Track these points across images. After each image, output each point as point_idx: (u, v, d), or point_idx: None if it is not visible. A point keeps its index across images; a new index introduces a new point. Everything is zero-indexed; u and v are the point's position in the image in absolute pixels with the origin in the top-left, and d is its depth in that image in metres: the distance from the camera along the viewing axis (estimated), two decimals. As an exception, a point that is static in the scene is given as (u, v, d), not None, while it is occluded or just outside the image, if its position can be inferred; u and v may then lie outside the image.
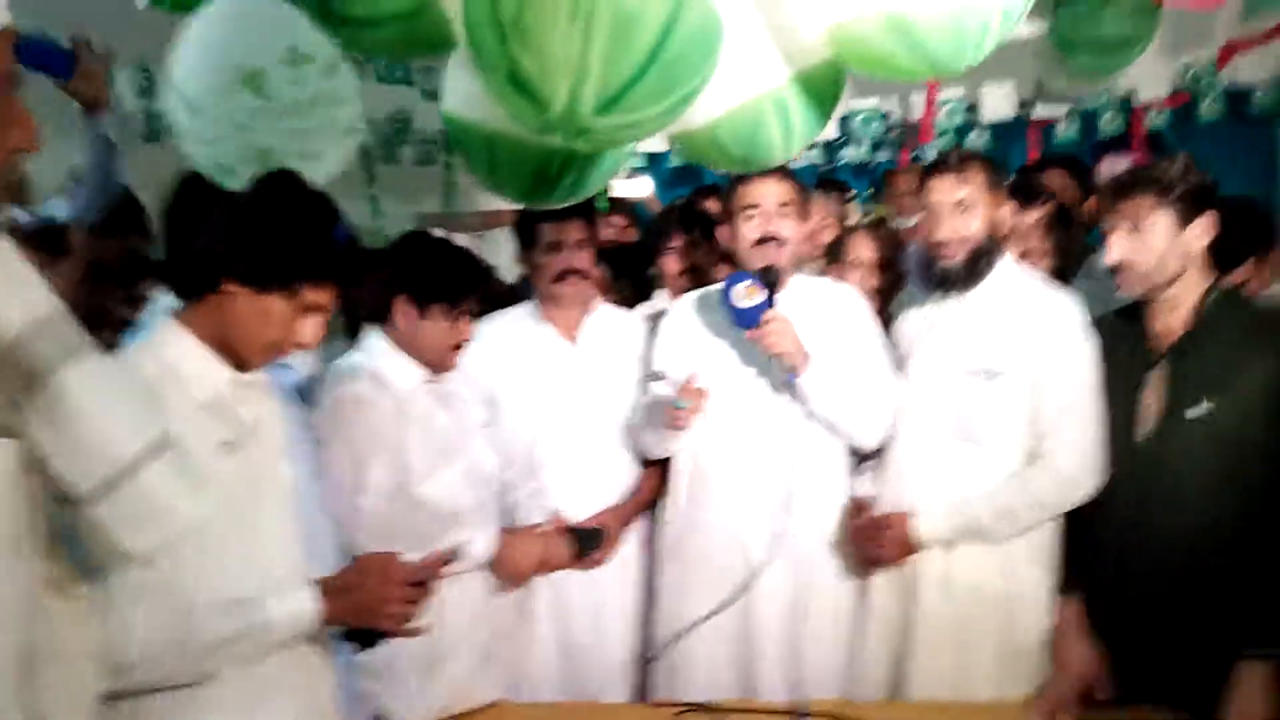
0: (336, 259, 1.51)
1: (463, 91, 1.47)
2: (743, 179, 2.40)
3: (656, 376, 2.43)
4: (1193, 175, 1.99)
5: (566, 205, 1.69)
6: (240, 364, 1.52)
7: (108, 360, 1.10)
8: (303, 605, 1.51)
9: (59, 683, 1.10)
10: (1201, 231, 2.00)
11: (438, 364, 2.21)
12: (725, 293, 2.25)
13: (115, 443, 1.05)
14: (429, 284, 2.18)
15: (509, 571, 2.32)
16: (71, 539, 1.12)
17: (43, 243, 2.35)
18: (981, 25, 1.22)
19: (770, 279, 2.25)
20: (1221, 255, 2.10)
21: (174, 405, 1.40)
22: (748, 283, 2.24)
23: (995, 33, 1.25)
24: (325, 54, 2.20)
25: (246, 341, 1.49)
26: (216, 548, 1.44)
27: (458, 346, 2.20)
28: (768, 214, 2.33)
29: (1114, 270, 2.06)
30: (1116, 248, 2.03)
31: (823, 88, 1.43)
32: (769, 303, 2.23)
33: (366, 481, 2.10)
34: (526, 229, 2.52)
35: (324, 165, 2.19)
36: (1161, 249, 1.99)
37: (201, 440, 1.43)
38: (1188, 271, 2.02)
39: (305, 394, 2.28)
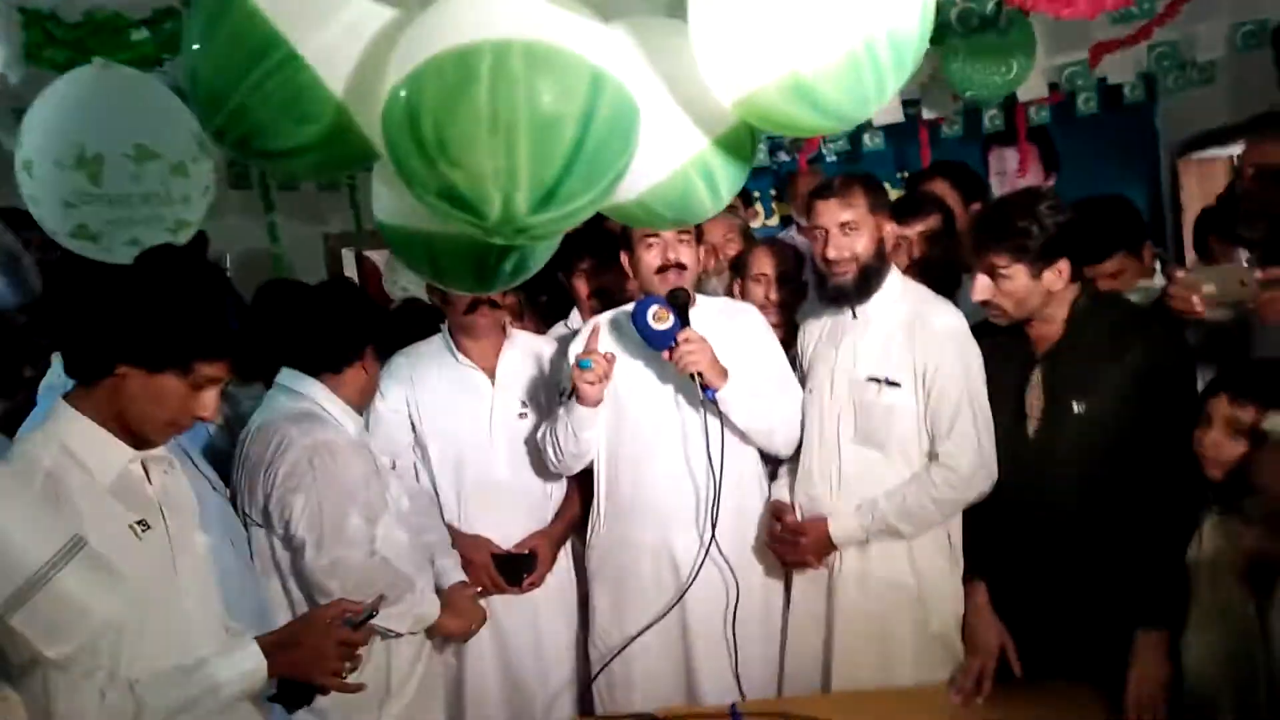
0: (230, 334, 1.51)
1: (391, 200, 1.50)
2: None
3: (568, 395, 2.48)
4: (1044, 222, 2.10)
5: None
6: (140, 443, 1.52)
7: (7, 470, 1.10)
8: (250, 663, 1.54)
9: None
10: (1057, 276, 2.13)
11: (369, 399, 2.30)
12: (638, 316, 2.33)
13: (22, 554, 1.07)
14: (369, 333, 2.30)
15: (449, 632, 2.37)
16: None
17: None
18: (877, 78, 1.29)
19: (679, 301, 2.34)
20: (1092, 252, 2.27)
21: (80, 493, 1.41)
22: (656, 306, 2.33)
23: (893, 81, 1.32)
24: (177, 153, 2.20)
25: (144, 420, 1.49)
26: (141, 628, 1.45)
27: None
28: (666, 242, 2.40)
29: (984, 304, 2.20)
30: (979, 290, 2.17)
31: (740, 145, 1.49)
32: (681, 323, 2.32)
33: (347, 534, 2.14)
34: None
35: (134, 250, 2.18)
36: (1021, 294, 2.15)
37: (113, 526, 1.44)
38: (1053, 302, 2.16)
39: (215, 451, 2.28)
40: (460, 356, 2.61)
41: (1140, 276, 2.65)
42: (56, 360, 1.77)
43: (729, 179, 1.52)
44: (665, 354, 2.33)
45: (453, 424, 2.55)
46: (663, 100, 1.40)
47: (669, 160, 1.45)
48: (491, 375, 2.62)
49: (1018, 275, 2.13)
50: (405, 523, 2.35)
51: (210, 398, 1.53)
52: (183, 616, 1.53)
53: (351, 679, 1.65)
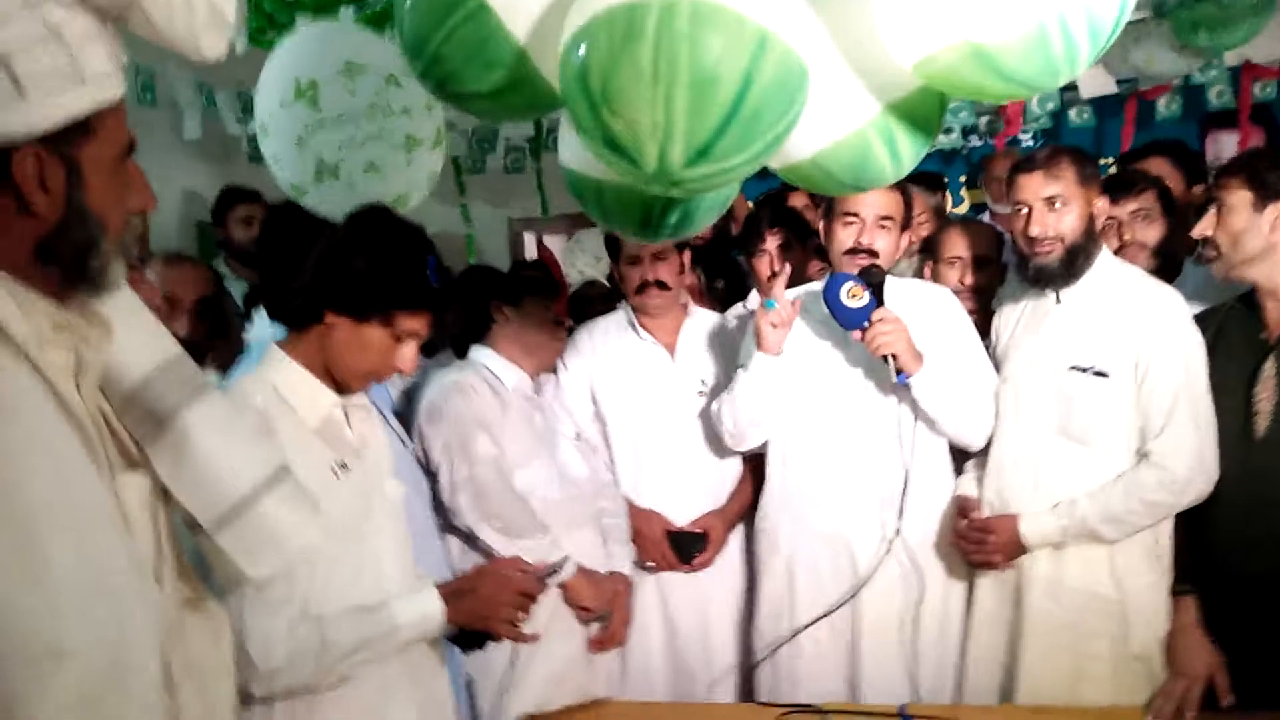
0: (430, 288, 1.58)
1: (571, 146, 1.58)
2: None
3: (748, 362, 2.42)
4: None
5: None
6: (340, 388, 1.61)
7: (225, 399, 1.16)
8: (428, 607, 1.59)
9: (198, 697, 1.17)
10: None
11: (543, 362, 2.38)
12: (830, 292, 2.24)
13: (234, 478, 1.11)
14: (517, 286, 2.40)
15: (577, 598, 2.34)
16: (202, 561, 1.20)
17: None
18: (1067, 45, 1.24)
19: (875, 279, 2.23)
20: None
21: (287, 432, 1.50)
22: (851, 283, 2.23)
23: (1087, 49, 1.25)
24: (385, 66, 2.29)
25: (347, 368, 1.58)
26: (334, 563, 1.52)
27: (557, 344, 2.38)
28: (865, 225, 2.31)
29: (1202, 250, 2.04)
30: (1201, 225, 2.03)
31: (925, 111, 1.45)
32: (876, 302, 2.22)
33: (474, 452, 2.23)
34: (611, 240, 2.57)
35: (389, 184, 2.25)
36: (1239, 227, 1.97)
37: (315, 464, 1.52)
38: (1276, 255, 1.97)
39: (399, 415, 2.38)
40: (641, 331, 2.61)
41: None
42: (259, 315, 1.88)
43: (911, 145, 1.47)
44: (857, 334, 2.23)
45: (631, 398, 2.55)
46: (841, 60, 1.38)
47: (847, 121, 1.41)
48: (672, 351, 2.61)
49: (1241, 206, 1.97)
50: (569, 485, 2.39)
51: (410, 351, 1.60)
52: (375, 558, 1.59)
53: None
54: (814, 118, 1.32)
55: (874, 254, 2.30)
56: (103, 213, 0.99)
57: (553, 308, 2.46)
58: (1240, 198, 1.98)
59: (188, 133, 3.78)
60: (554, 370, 2.58)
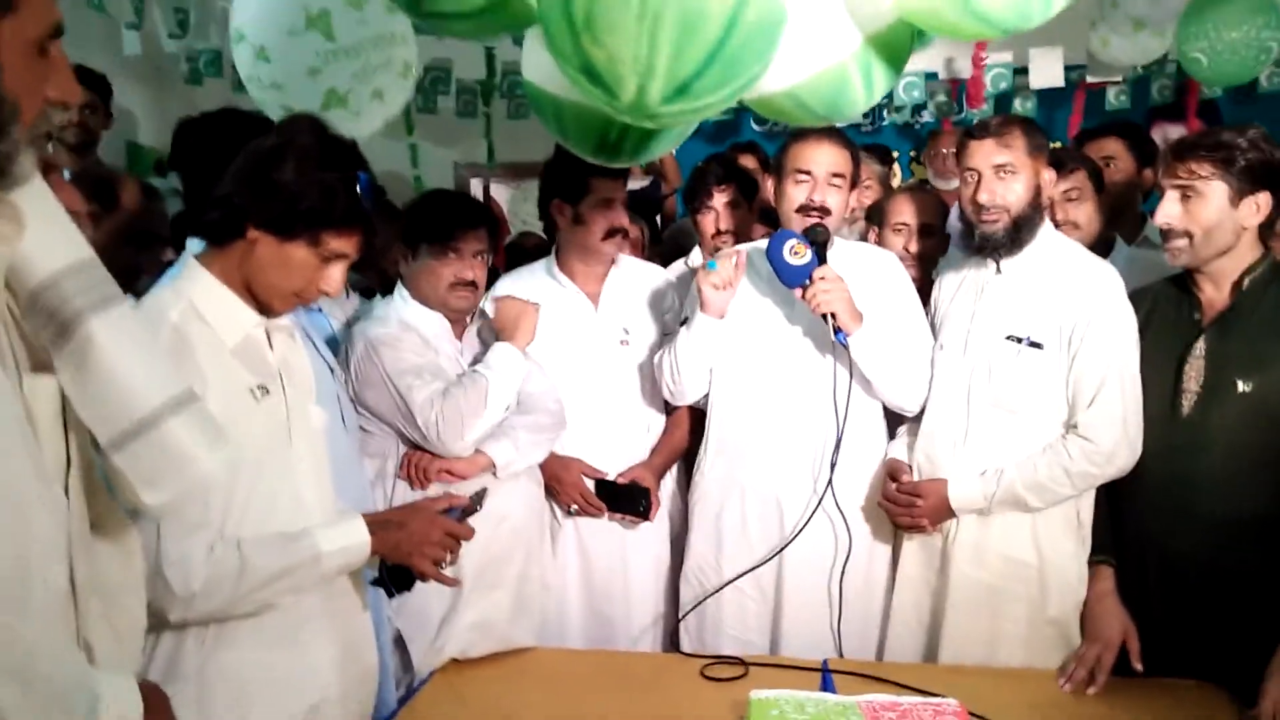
0: (361, 208, 1.50)
1: (537, 61, 1.55)
2: (797, 139, 2.37)
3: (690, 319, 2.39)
4: (1260, 149, 1.95)
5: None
6: (264, 309, 1.53)
7: (136, 313, 1.10)
8: (354, 537, 1.55)
9: (104, 617, 1.12)
10: (1258, 209, 1.96)
11: (442, 305, 2.26)
12: (773, 249, 2.23)
13: (137, 395, 1.05)
14: (415, 225, 2.26)
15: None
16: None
17: (95, 193, 2.35)
18: None
19: (818, 238, 2.23)
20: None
21: (203, 351, 1.43)
22: (794, 240, 2.22)
23: None
24: None
25: (270, 287, 1.50)
26: (251, 489, 1.47)
27: (455, 285, 2.24)
28: (817, 182, 2.30)
29: (1163, 234, 2.02)
30: (1167, 211, 2.00)
31: (899, 43, 1.46)
32: (819, 261, 2.21)
33: (414, 386, 2.17)
34: (577, 181, 2.45)
35: (387, 107, 2.22)
36: (1213, 220, 1.96)
37: (233, 385, 1.46)
38: (1238, 245, 1.98)
39: (336, 347, 2.31)
40: (563, 279, 2.56)
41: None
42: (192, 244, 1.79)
43: (884, 77, 1.48)
44: (798, 291, 2.23)
45: (552, 346, 2.47)
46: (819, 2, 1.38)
47: (829, 54, 1.41)
48: (595, 300, 2.56)
49: (1215, 194, 1.95)
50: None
51: (337, 272, 1.53)
52: (294, 485, 1.54)
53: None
54: (796, 50, 1.32)
55: (825, 211, 2.29)
56: (16, 96, 0.92)
57: (454, 251, 2.26)
58: (1214, 188, 1.95)
59: (127, 48, 3.62)
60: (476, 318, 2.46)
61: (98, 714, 1.00)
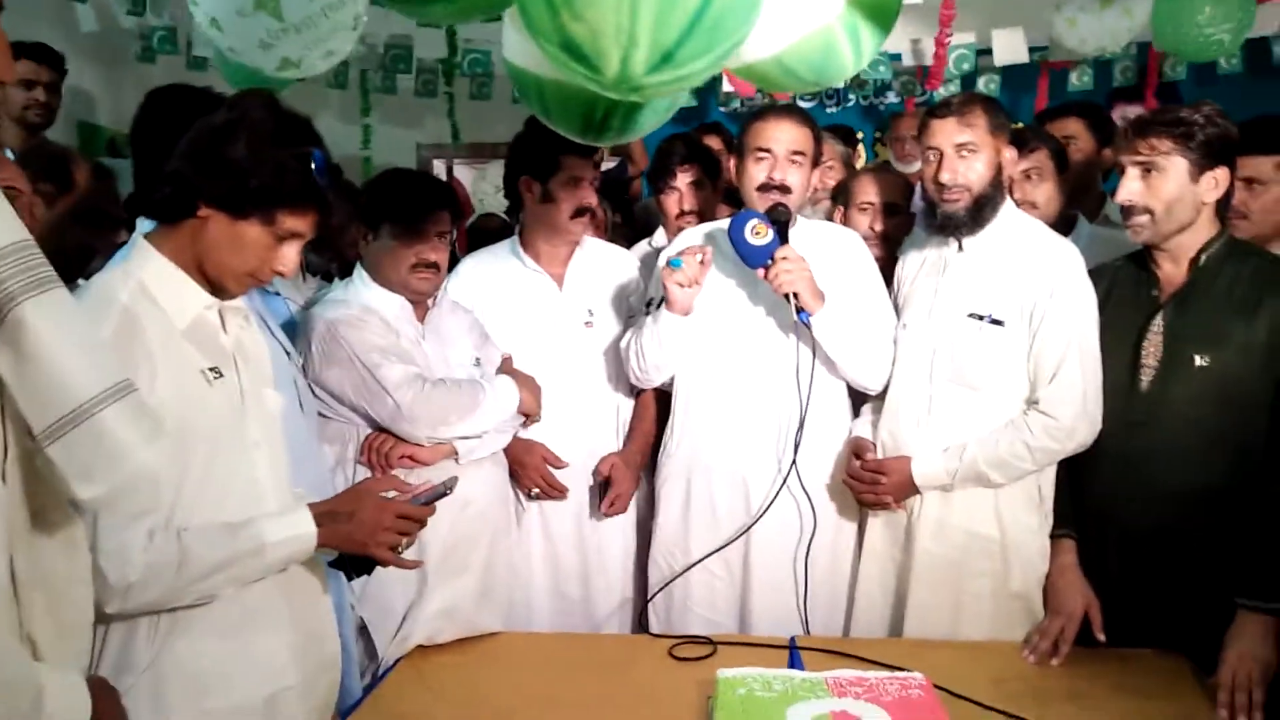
0: (316, 185, 1.46)
1: (516, 41, 1.53)
2: (759, 117, 2.36)
3: (656, 304, 2.38)
4: (1217, 124, 1.97)
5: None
6: (217, 290, 1.49)
7: (74, 300, 1.05)
8: (299, 529, 1.50)
9: (49, 612, 1.09)
10: (1216, 184, 1.98)
11: (403, 286, 2.22)
12: (734, 229, 2.22)
13: (71, 384, 1.01)
14: (376, 204, 2.21)
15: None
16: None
17: (49, 172, 2.29)
18: None
19: (780, 218, 2.23)
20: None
21: (153, 332, 1.39)
22: (756, 220, 2.22)
23: None
24: None
25: (223, 268, 1.46)
26: (205, 472, 1.43)
27: (417, 266, 2.20)
28: (777, 160, 2.30)
29: (1124, 211, 2.04)
30: (1128, 187, 2.01)
31: (886, 2, 1.46)
32: (780, 240, 2.21)
33: (382, 364, 2.13)
34: (548, 158, 2.41)
35: (336, 56, 2.42)
36: (1174, 195, 1.98)
37: (184, 368, 1.42)
38: (1197, 221, 2.00)
39: (292, 331, 2.27)
40: (527, 260, 2.53)
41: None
42: (143, 223, 1.75)
43: (872, 38, 1.46)
44: (760, 272, 2.23)
45: (516, 327, 2.45)
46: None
47: (815, 16, 1.39)
48: (560, 281, 2.54)
49: (1175, 171, 1.97)
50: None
51: (291, 252, 1.49)
52: (250, 469, 1.50)
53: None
54: (780, 14, 1.30)
55: (786, 190, 2.29)
56: None
57: (416, 232, 2.22)
58: (1174, 164, 1.96)
59: (84, 25, 3.52)
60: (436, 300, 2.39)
61: (42, 709, 0.98)
